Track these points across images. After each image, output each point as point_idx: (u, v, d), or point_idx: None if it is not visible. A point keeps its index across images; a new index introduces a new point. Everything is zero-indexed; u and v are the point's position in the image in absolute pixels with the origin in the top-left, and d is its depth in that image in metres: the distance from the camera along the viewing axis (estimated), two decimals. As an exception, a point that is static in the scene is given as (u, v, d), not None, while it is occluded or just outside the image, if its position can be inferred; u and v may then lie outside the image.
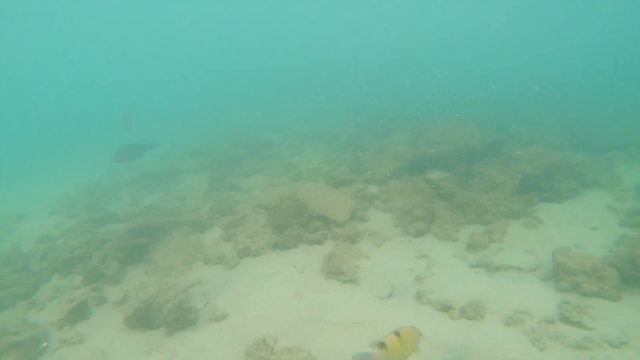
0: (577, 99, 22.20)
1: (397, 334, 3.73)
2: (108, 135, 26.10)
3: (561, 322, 5.72)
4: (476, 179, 10.53)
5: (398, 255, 8.16)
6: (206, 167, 15.75)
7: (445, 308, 6.22)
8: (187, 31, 67.70)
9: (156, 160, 18.18)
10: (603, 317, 5.70)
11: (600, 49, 41.69)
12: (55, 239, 10.85)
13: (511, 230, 8.82)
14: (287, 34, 70.00)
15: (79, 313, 7.02)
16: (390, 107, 21.72)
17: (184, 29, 66.96)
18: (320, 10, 66.41)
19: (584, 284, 6.30)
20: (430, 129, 13.90)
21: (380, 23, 66.44)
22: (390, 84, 30.24)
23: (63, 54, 63.75)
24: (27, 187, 18.17)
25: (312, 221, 9.07)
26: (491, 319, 5.96)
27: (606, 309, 5.89)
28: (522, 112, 19.83)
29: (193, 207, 11.62)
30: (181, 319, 6.30)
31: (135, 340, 6.28)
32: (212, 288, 7.64)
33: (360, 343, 5.56)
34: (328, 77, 37.53)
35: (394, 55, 48.88)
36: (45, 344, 6.29)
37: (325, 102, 27.73)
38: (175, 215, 10.67)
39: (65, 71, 62.16)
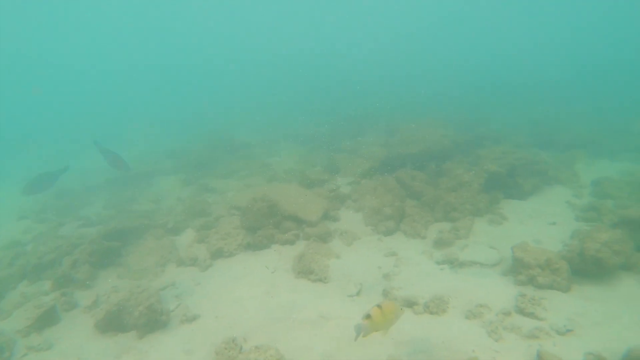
0: (544, 100, 22.97)
1: (379, 306, 4.30)
2: (79, 138, 25.76)
3: (517, 314, 6.07)
4: (445, 177, 10.87)
5: (368, 254, 8.41)
6: (181, 169, 15.70)
7: (410, 304, 6.50)
8: (163, 33, 66.87)
9: (130, 163, 18.01)
10: (554, 307, 6.08)
11: (569, 51, 43.05)
12: (24, 244, 10.71)
13: (477, 227, 9.18)
14: (264, 36, 69.85)
15: (47, 319, 6.98)
16: (364, 107, 22.09)
17: (160, 31, 66.11)
18: (297, 11, 66.50)
19: (539, 277, 6.68)
20: (403, 129, 14.25)
21: (358, 23, 66.96)
22: (365, 85, 30.62)
23: (31, 51, 61.99)
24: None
25: (284, 221, 9.25)
26: (453, 313, 6.26)
27: (557, 299, 6.28)
28: (492, 112, 20.41)
29: (167, 210, 11.65)
30: (152, 321, 6.39)
31: (106, 344, 6.34)
32: (185, 290, 7.74)
33: (328, 340, 5.79)
34: (305, 78, 37.67)
35: (369, 56, 49.43)
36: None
37: (302, 103, 27.87)
38: (149, 218, 10.69)
39: (32, 70, 60.40)
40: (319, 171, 12.47)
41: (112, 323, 6.57)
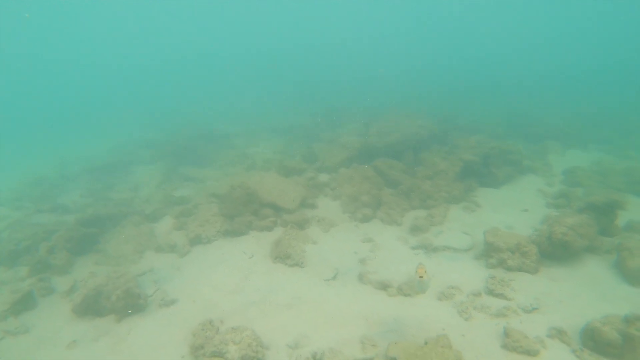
0: (522, 95, 23.49)
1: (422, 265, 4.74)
2: (57, 126, 25.22)
3: (487, 295, 6.29)
4: (422, 166, 11.05)
5: (344, 240, 8.53)
6: (161, 158, 15.53)
7: (384, 287, 6.65)
8: (146, 24, 65.47)
9: (110, 152, 17.79)
10: (522, 288, 6.31)
11: (550, 49, 44.02)
12: (0, 231, 10.52)
13: (451, 214, 9.40)
14: (249, 28, 69.22)
15: (24, 304, 6.91)
16: (345, 99, 22.22)
17: (144, 22, 64.67)
18: (284, 6, 65.82)
19: (509, 260, 6.91)
20: (381, 120, 14.39)
21: (345, 18, 66.88)
22: (347, 78, 30.74)
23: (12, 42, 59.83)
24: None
25: (262, 209, 9.29)
26: (426, 295, 6.43)
27: (526, 280, 6.52)
28: (472, 106, 20.76)
29: (145, 198, 11.55)
30: (130, 305, 6.38)
31: (84, 328, 6.31)
32: (163, 276, 7.72)
33: (304, 321, 5.89)
34: (287, 71, 37.62)
35: (353, 49, 49.54)
36: None
37: (284, 95, 27.82)
38: (127, 206, 10.58)
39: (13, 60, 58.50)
40: (297, 161, 12.51)
41: (90, 307, 6.53)
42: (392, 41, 56.00)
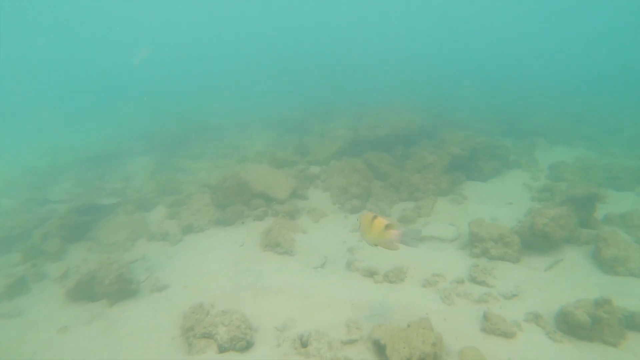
0: (511, 91, 23.84)
1: (373, 217, 4.26)
2: (50, 115, 25.10)
3: (469, 282, 6.51)
4: (411, 160, 11.25)
5: (334, 230, 8.72)
6: (154, 149, 15.61)
7: (371, 274, 6.86)
8: (146, 19, 64.97)
9: (103, 144, 17.81)
10: (503, 276, 6.55)
11: (541, 48, 44.53)
12: (-8, 219, 10.58)
13: (439, 206, 9.63)
14: (244, 23, 68.96)
15: (17, 288, 7.03)
16: (338, 94, 22.40)
17: (143, 17, 64.07)
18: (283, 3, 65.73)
19: (492, 250, 7.15)
20: (373, 114, 14.58)
21: (338, 12, 66.93)
22: (341, 73, 30.93)
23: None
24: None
25: (253, 199, 9.45)
26: (410, 282, 6.65)
27: (507, 269, 6.76)
28: (461, 101, 21.02)
29: (138, 187, 11.64)
30: (123, 289, 6.52)
31: (76, 312, 6.44)
32: (155, 263, 7.86)
33: (292, 306, 6.08)
34: (281, 66, 37.69)
35: (348, 45, 49.71)
36: None
37: (277, 90, 27.92)
38: (119, 195, 10.69)
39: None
40: (289, 153, 12.67)
41: (83, 292, 6.66)
42: (389, 38, 56.21)
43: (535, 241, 7.18)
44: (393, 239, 4.18)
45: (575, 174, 10.72)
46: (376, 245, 4.46)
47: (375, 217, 4.23)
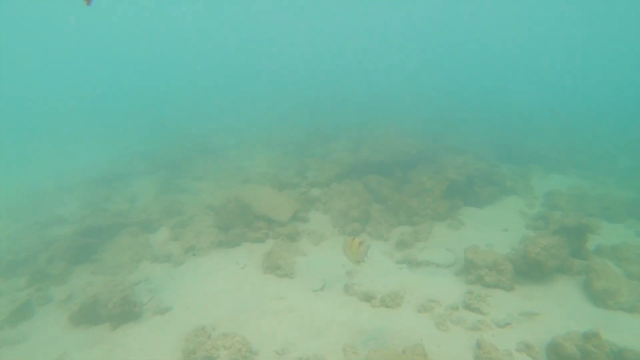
0: (508, 117, 24.30)
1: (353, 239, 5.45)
2: (52, 136, 25.43)
3: (464, 309, 6.71)
4: (410, 184, 11.52)
5: (333, 253, 8.92)
6: (158, 170, 15.88)
7: (368, 298, 7.05)
8: (149, 36, 66.07)
9: (108, 164, 18.08)
10: (497, 304, 6.75)
11: (540, 76, 45.34)
12: (-1, 242, 10.76)
13: (436, 231, 9.86)
14: (253, 43, 70.16)
15: (21, 313, 7.17)
16: (341, 116, 22.84)
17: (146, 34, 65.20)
18: (286, 19, 66.93)
19: (486, 277, 7.36)
20: (373, 137, 14.94)
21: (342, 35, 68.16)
22: (344, 95, 31.49)
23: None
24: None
25: (256, 221, 9.68)
26: (406, 307, 6.84)
27: (501, 297, 6.96)
28: (460, 127, 21.36)
29: (142, 209, 11.87)
30: (126, 312, 6.69)
31: (80, 336, 6.59)
32: (158, 285, 8.04)
33: (291, 329, 6.26)
34: (285, 88, 38.33)
35: (352, 67, 50.62)
36: None
37: (280, 111, 28.34)
38: (124, 217, 10.90)
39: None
40: (291, 175, 12.95)
41: (87, 316, 6.82)
42: (391, 62, 57.22)
43: (528, 269, 7.38)
44: (365, 251, 5.43)
45: (570, 203, 10.97)
46: (359, 263, 5.55)
47: (353, 239, 5.41)
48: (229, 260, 8.72)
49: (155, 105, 35.63)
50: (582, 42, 57.16)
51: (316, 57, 60.34)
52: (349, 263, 8.34)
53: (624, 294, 6.43)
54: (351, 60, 57.38)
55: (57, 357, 6.13)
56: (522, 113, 25.76)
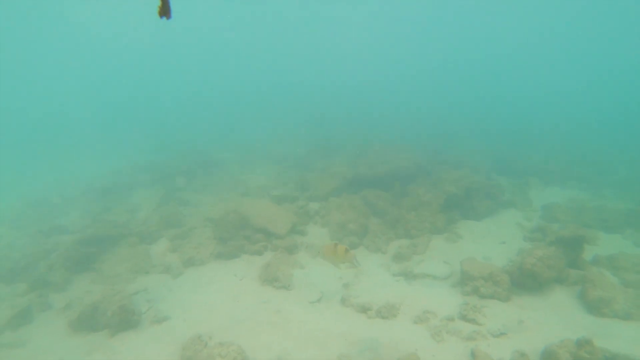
0: (506, 130, 24.50)
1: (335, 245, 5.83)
2: (57, 146, 25.77)
3: (460, 320, 6.72)
4: (408, 197, 11.59)
5: (331, 266, 8.94)
6: (159, 182, 16.05)
7: (364, 309, 7.08)
8: (153, 49, 67.17)
9: (110, 175, 18.30)
10: (493, 314, 6.76)
11: (541, 90, 45.78)
12: (-1, 250, 10.88)
13: (434, 244, 9.90)
14: (259, 58, 71.28)
15: (21, 318, 7.26)
16: (341, 131, 23.09)
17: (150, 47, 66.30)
18: (289, 35, 68.00)
19: (482, 288, 7.38)
20: (372, 152, 15.06)
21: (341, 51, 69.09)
22: (345, 110, 31.87)
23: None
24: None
25: (254, 234, 9.76)
26: (402, 318, 6.86)
27: (497, 307, 6.97)
28: (458, 140, 21.55)
29: (142, 220, 11.99)
30: (124, 320, 6.75)
31: (78, 343, 6.65)
32: (157, 295, 8.09)
33: (287, 339, 6.29)
34: (285, 103, 38.89)
35: (352, 83, 51.28)
36: None
37: (280, 125, 28.71)
38: (124, 227, 11.01)
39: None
40: (290, 188, 13.07)
41: (85, 323, 6.89)
42: (390, 77, 57.88)
43: (525, 280, 7.41)
44: (352, 257, 5.81)
45: (567, 214, 11.01)
46: (341, 264, 5.97)
47: (336, 245, 5.78)
48: (227, 271, 8.78)
49: (161, 118, 36.15)
50: (580, 54, 57.71)
51: (319, 72, 61.17)
52: (340, 271, 8.46)
53: (619, 301, 6.44)
54: (350, 75, 58.07)
55: None
56: (520, 126, 25.98)
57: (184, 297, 7.90)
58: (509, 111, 31.87)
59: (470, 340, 6.12)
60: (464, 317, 6.73)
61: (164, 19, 3.00)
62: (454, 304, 7.17)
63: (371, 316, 6.91)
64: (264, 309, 7.22)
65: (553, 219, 10.98)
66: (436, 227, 10.44)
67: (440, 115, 29.06)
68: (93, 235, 9.73)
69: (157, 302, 7.79)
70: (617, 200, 12.29)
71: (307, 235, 10.42)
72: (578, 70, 55.54)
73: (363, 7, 49.27)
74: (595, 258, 8.27)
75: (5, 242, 11.27)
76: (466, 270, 7.66)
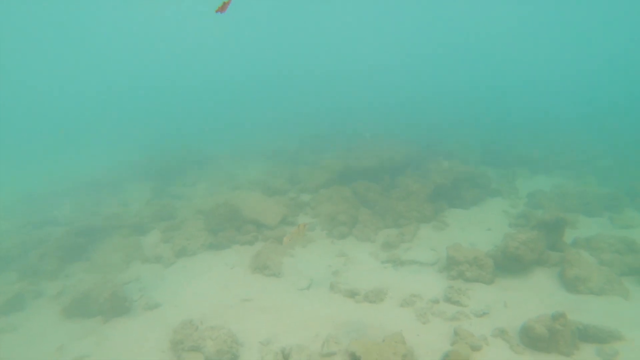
0: (496, 122, 24.80)
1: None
2: (46, 141, 25.76)
3: (445, 302, 6.94)
4: (397, 188, 11.81)
5: (320, 254, 9.16)
6: (151, 177, 16.14)
7: (352, 294, 7.27)
8: (149, 46, 66.90)
9: (103, 170, 18.37)
10: (477, 296, 6.99)
11: (529, 82, 46.13)
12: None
13: (421, 232, 10.12)
14: (249, 54, 71.14)
15: (13, 305, 7.43)
16: (333, 125, 23.28)
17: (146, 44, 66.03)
18: (281, 30, 67.91)
19: (467, 272, 7.60)
20: (363, 145, 15.28)
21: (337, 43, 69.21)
22: (337, 105, 32.04)
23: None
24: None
25: (245, 225, 9.93)
26: (389, 302, 7.07)
27: (481, 290, 7.20)
28: (450, 133, 21.76)
29: (135, 213, 12.10)
30: (117, 307, 6.93)
31: (71, 328, 6.83)
32: (149, 284, 8.25)
33: (276, 323, 6.47)
34: (277, 98, 38.96)
35: (346, 77, 51.44)
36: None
37: (272, 121, 28.84)
38: (116, 219, 11.14)
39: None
40: (281, 182, 13.22)
41: (78, 309, 7.06)
42: (381, 69, 58.08)
43: (508, 263, 7.64)
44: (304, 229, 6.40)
45: (552, 201, 11.27)
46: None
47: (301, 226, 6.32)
48: (218, 261, 8.95)
49: (156, 115, 36.15)
50: (565, 44, 58.22)
51: (311, 68, 61.23)
52: (333, 263, 8.68)
53: (594, 279, 6.70)
54: (345, 68, 58.19)
55: (57, 347, 6.35)
56: (510, 117, 26.29)
57: (176, 285, 8.06)
58: (500, 102, 32.16)
59: (454, 320, 6.34)
60: (448, 299, 6.94)
61: (219, 13, 3.35)
62: (440, 288, 7.38)
63: (359, 301, 7.11)
64: (254, 295, 7.39)
65: (538, 205, 11.23)
66: (424, 216, 10.64)
67: (432, 106, 29.31)
68: (85, 226, 9.88)
69: (149, 290, 7.95)
70: (599, 186, 12.57)
71: (297, 225, 10.58)
72: (562, 62, 55.98)
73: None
74: (575, 240, 8.53)
75: (-3, 233, 11.37)
76: (452, 256, 7.88)
